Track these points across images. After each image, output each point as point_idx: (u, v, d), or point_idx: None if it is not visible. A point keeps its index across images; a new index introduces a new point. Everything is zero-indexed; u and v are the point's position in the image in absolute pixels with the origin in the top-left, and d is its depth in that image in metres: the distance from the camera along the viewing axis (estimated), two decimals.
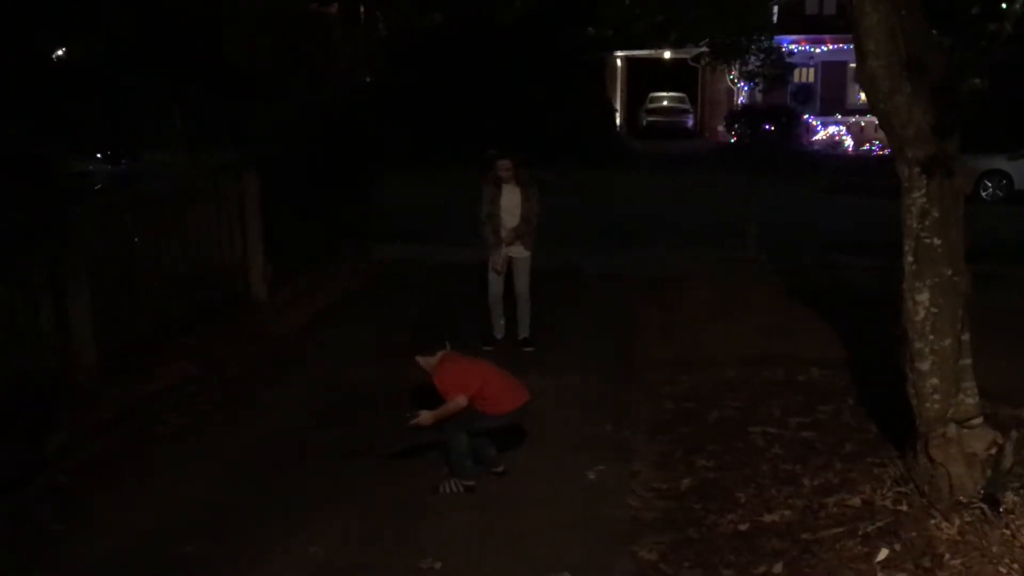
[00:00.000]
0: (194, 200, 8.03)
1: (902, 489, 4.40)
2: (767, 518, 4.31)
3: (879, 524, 4.13)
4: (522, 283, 7.38)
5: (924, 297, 4.26)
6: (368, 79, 14.02)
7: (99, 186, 15.64)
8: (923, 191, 4.20)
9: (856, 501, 4.37)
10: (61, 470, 5.19)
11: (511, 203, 7.14)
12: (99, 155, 16.62)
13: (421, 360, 5.15)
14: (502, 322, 7.50)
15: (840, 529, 4.13)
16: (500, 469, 5.12)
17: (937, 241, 4.21)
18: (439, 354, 5.12)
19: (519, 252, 7.30)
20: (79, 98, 16.74)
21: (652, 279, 10.21)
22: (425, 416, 4.96)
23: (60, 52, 18.92)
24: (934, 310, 4.25)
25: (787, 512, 4.36)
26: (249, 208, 8.83)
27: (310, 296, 9.37)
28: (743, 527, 4.27)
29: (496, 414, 5.01)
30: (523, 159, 7.19)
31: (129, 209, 7.07)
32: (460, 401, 4.92)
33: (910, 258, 4.29)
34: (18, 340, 5.77)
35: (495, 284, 7.35)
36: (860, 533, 4.08)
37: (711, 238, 12.35)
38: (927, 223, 4.20)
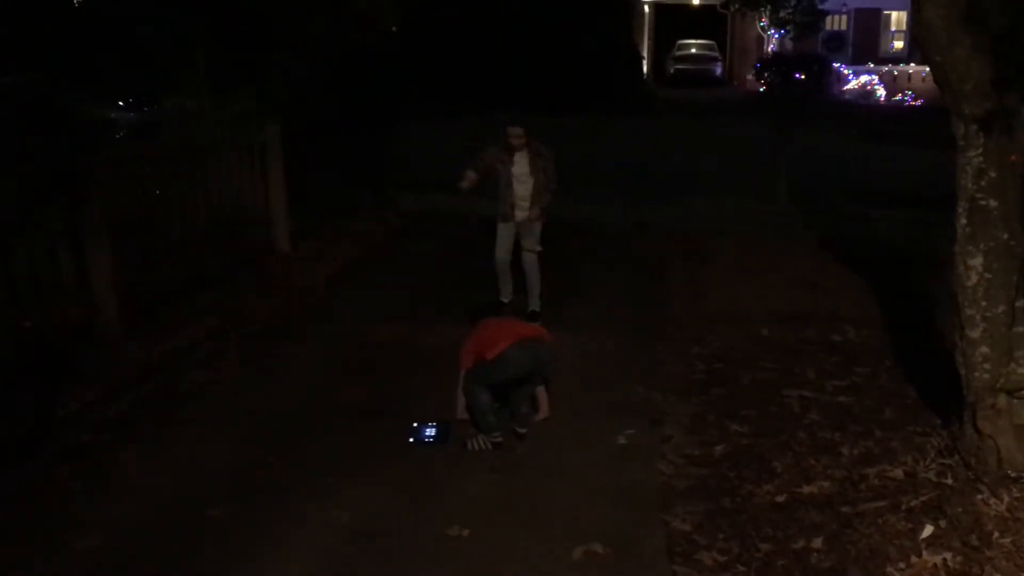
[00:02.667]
0: (216, 151, 7.87)
1: (946, 461, 4.23)
2: (805, 489, 4.17)
3: (923, 498, 3.97)
4: (529, 254, 6.98)
5: (977, 262, 4.04)
6: (394, 28, 13.70)
7: (121, 134, 15.53)
8: (980, 150, 3.97)
9: (898, 473, 4.21)
10: (83, 428, 5.12)
11: (522, 171, 6.78)
12: (121, 103, 16.45)
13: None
14: (509, 287, 7.17)
15: (882, 503, 3.98)
16: (523, 431, 5.00)
17: (993, 203, 3.98)
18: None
19: (528, 216, 6.89)
20: (101, 45, 16.55)
21: (680, 232, 10.00)
22: (460, 405, 5.06)
23: None
24: (987, 275, 4.04)
25: (826, 483, 4.22)
26: (271, 158, 8.67)
27: (334, 248, 9.23)
28: (780, 498, 4.13)
29: (496, 356, 4.83)
30: (532, 128, 6.79)
31: (150, 160, 6.93)
32: (462, 373, 5.01)
33: (963, 220, 4.07)
34: (38, 294, 5.68)
35: (502, 251, 7.00)
36: (903, 507, 3.93)
37: (740, 189, 12.09)
38: (983, 184, 3.97)
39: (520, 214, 6.85)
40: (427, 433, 4.95)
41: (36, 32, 16.90)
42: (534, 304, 7.05)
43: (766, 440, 4.75)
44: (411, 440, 4.93)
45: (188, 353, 6.31)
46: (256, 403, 5.59)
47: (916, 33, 4.01)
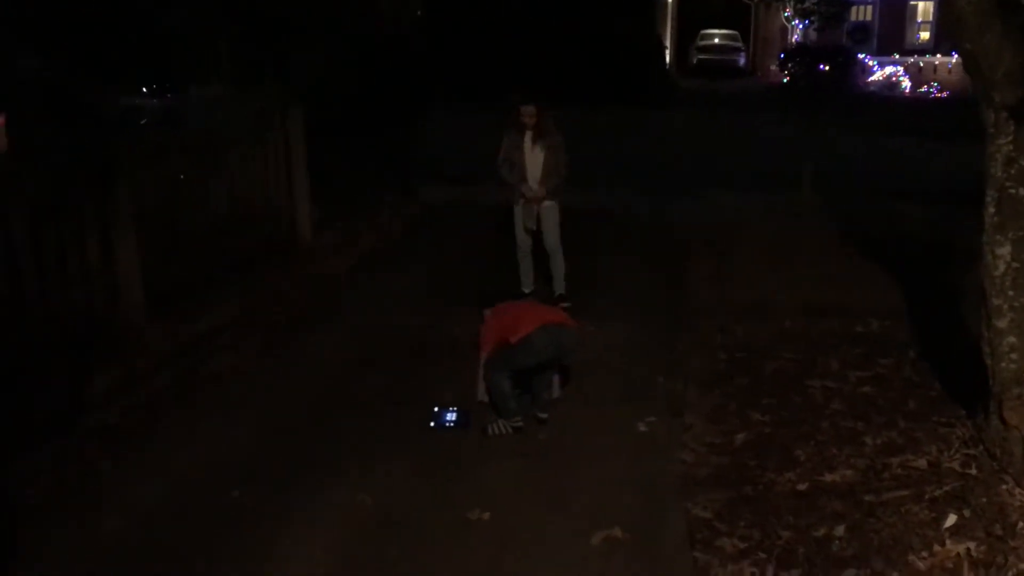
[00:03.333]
0: (239, 140, 7.89)
1: (971, 451, 4.21)
2: (827, 478, 4.15)
3: (946, 488, 3.95)
4: (551, 235, 6.91)
5: (1006, 251, 4.01)
6: (419, 12, 13.69)
7: (145, 121, 15.64)
8: (1010, 138, 3.93)
9: (922, 463, 4.19)
10: (109, 410, 5.18)
11: (534, 152, 6.70)
12: (145, 89, 16.56)
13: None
14: (530, 276, 7.15)
15: (905, 492, 3.96)
16: (544, 416, 5.01)
17: (1023, 192, 3.94)
18: (487, 312, 5.17)
19: (546, 202, 6.84)
20: (126, 32, 16.65)
21: (703, 223, 9.96)
22: (480, 389, 5.08)
23: None
24: (1016, 265, 4.00)
25: (848, 472, 4.20)
26: (294, 148, 8.69)
27: (356, 239, 9.26)
28: (802, 487, 4.12)
29: (520, 340, 4.82)
30: (548, 106, 6.71)
31: (175, 147, 6.97)
32: (483, 358, 5.01)
33: (992, 209, 4.03)
34: (66, 279, 5.73)
35: (523, 239, 6.96)
36: (927, 497, 3.91)
37: (764, 182, 12.01)
38: (1013, 172, 3.93)
39: (530, 194, 6.78)
40: (448, 418, 4.97)
41: (59, 17, 17.01)
42: (559, 288, 7.02)
43: (788, 429, 4.74)
44: (432, 425, 4.95)
45: (211, 339, 6.35)
46: (279, 388, 5.64)
47: (946, 20, 3.97)
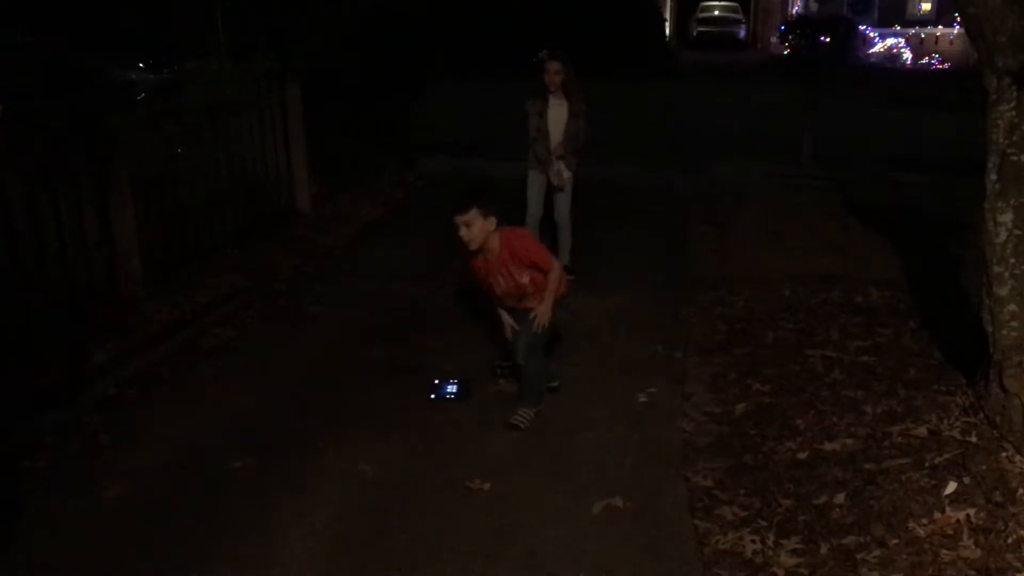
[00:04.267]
0: (236, 110, 7.86)
1: (971, 419, 4.21)
2: (827, 446, 4.16)
3: (947, 455, 3.95)
4: (562, 207, 6.83)
5: (1007, 218, 3.99)
6: None
7: (143, 95, 15.53)
8: (1012, 103, 3.89)
9: (922, 431, 4.19)
10: (110, 381, 5.18)
11: (558, 117, 6.53)
12: (141, 64, 16.44)
13: (474, 222, 4.41)
14: None
15: (905, 460, 3.96)
16: (556, 384, 4.98)
17: None
18: (492, 219, 4.47)
19: (560, 170, 6.71)
20: (122, 6, 16.51)
21: (703, 194, 9.94)
22: (543, 310, 4.54)
23: None
24: (1017, 232, 3.98)
25: (849, 441, 4.20)
26: (292, 119, 8.66)
27: (355, 210, 9.24)
28: (802, 455, 4.13)
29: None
30: (574, 67, 6.52)
31: (171, 119, 6.92)
32: (560, 272, 4.64)
33: (993, 176, 4.00)
34: (64, 251, 5.72)
35: (534, 205, 6.83)
36: (927, 464, 3.91)
37: (764, 152, 11.95)
38: (1015, 138, 3.90)
39: (548, 159, 6.62)
40: (448, 390, 4.97)
41: None
42: (565, 258, 6.95)
43: (788, 398, 4.74)
44: (432, 396, 4.95)
45: (211, 309, 6.35)
46: (279, 359, 5.63)
47: None
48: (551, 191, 6.84)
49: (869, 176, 10.77)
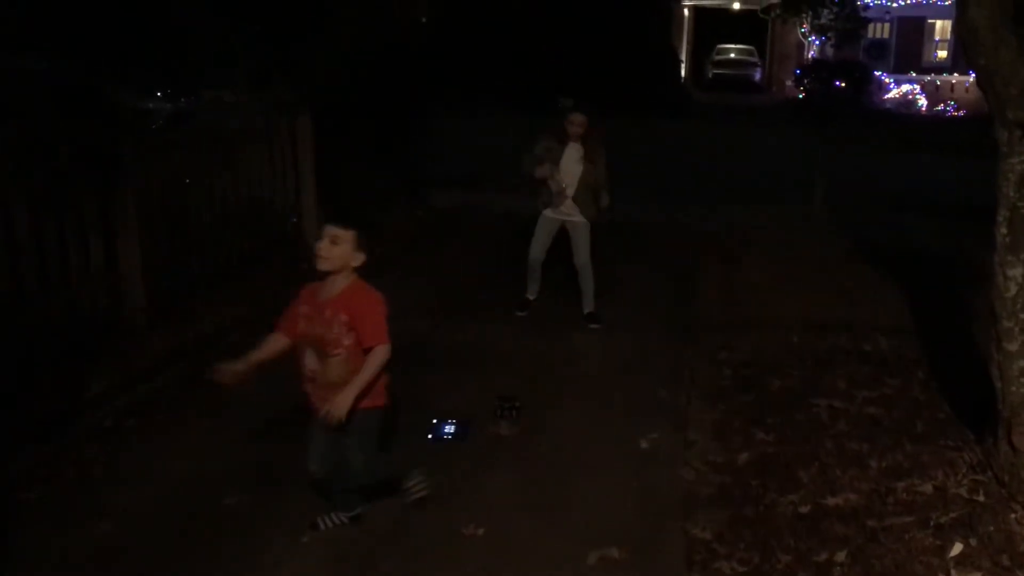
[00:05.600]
0: (247, 140, 7.89)
1: (979, 477, 4.11)
2: (831, 501, 4.06)
3: (953, 515, 3.85)
4: (582, 252, 6.70)
5: (1017, 272, 3.92)
6: (424, 19, 13.69)
7: (159, 124, 15.66)
8: (1023, 156, 3.84)
9: (928, 487, 4.09)
10: (106, 412, 5.14)
11: (572, 162, 6.48)
12: (159, 93, 16.60)
13: (343, 242, 3.76)
14: (537, 286, 7.00)
15: (910, 518, 3.86)
16: (422, 488, 4.11)
17: None
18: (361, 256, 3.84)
19: (576, 216, 6.64)
20: (142, 35, 16.73)
21: (714, 234, 9.91)
22: (342, 399, 3.62)
23: None
24: None
25: (852, 496, 4.10)
26: (302, 149, 8.68)
27: (365, 242, 9.21)
28: (804, 509, 4.03)
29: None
30: (598, 119, 6.51)
31: (181, 147, 6.94)
32: (383, 359, 3.75)
33: (1003, 230, 3.94)
34: (68, 278, 5.70)
35: (538, 246, 6.77)
36: (932, 523, 3.81)
37: (776, 195, 11.92)
38: None
39: (564, 207, 6.60)
40: (445, 430, 4.90)
41: (76, 19, 17.09)
42: (588, 306, 6.86)
43: (792, 449, 4.65)
44: (429, 437, 4.88)
45: (213, 341, 6.30)
46: (279, 394, 5.53)
47: (961, 35, 3.89)
48: (566, 237, 6.76)
49: (881, 221, 10.70)
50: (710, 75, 32.98)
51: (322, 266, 3.75)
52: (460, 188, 11.33)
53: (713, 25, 34.34)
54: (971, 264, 8.59)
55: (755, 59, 33.50)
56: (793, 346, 6.46)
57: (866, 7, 27.47)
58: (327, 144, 9.18)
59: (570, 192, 6.58)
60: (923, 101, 27.85)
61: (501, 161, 6.86)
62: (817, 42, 30.32)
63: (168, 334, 6.24)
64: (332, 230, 3.74)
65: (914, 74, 28.82)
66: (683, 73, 30.91)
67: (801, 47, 31.33)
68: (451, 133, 12.43)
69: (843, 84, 26.91)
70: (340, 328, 3.72)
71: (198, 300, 6.83)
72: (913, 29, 30.39)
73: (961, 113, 26.71)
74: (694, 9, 34.05)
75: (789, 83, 29.84)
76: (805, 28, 30.31)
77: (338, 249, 3.75)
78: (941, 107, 27.48)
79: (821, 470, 4.38)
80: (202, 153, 7.19)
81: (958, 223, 10.19)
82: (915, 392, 5.47)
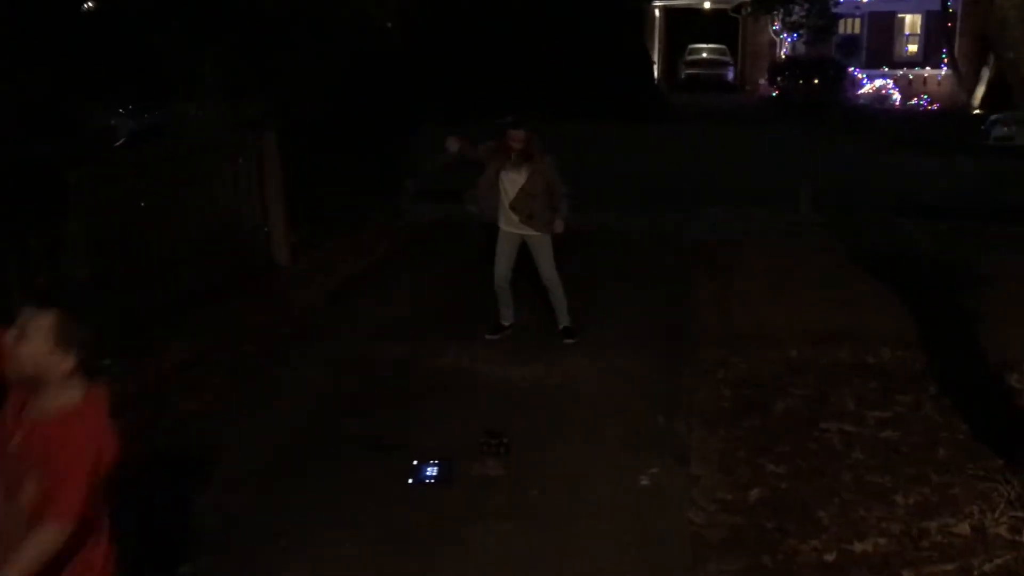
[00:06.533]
0: (208, 159, 7.45)
1: (1018, 514, 3.75)
2: (857, 547, 3.68)
3: (996, 561, 3.49)
4: (546, 267, 6.38)
5: None
6: (390, 24, 13.33)
7: (121, 141, 15.15)
8: None
9: (964, 528, 3.73)
10: None
11: (516, 176, 6.19)
12: (122, 109, 16.09)
13: (33, 338, 2.31)
14: (511, 309, 6.61)
15: (949, 566, 3.49)
16: None
17: None
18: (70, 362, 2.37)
19: (531, 232, 6.30)
20: (108, 50, 16.23)
21: (701, 242, 9.55)
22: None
23: (90, 4, 18.36)
24: None
25: (881, 540, 3.72)
26: (269, 166, 8.24)
27: (337, 262, 8.79)
28: (829, 557, 3.65)
29: None
30: (535, 130, 6.18)
31: (134, 170, 6.49)
32: (56, 538, 2.29)
33: None
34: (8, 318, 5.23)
35: (501, 264, 6.42)
36: (975, 572, 3.44)
37: (761, 198, 11.52)
38: None
39: (517, 223, 6.30)
40: (428, 473, 4.49)
41: (40, 36, 16.57)
42: (564, 320, 6.52)
43: (807, 483, 4.27)
44: (410, 481, 4.46)
45: (174, 378, 5.86)
46: (245, 436, 5.13)
47: (988, 29, 3.54)
48: (527, 253, 6.42)
49: (870, 222, 10.40)
50: (683, 75, 32.69)
51: (8, 373, 2.37)
52: (439, 201, 10.86)
53: (684, 25, 34.10)
54: (969, 267, 8.33)
55: (727, 58, 33.25)
56: (793, 361, 6.12)
57: (836, 3, 27.33)
58: (299, 159, 8.77)
59: (521, 208, 6.24)
60: (897, 96, 27.71)
61: (477, 171, 6.45)
62: (789, 39, 30.16)
63: (124, 374, 5.75)
64: (23, 316, 2.35)
65: (886, 69, 28.70)
66: (656, 74, 30.63)
67: (773, 45, 31.16)
68: (431, 144, 11.97)
69: (817, 81, 26.73)
70: (27, 468, 2.34)
71: (158, 333, 6.36)
72: (883, 24, 30.33)
73: (935, 107, 26.61)
74: (665, 10, 33.81)
75: (762, 81, 29.63)
76: (777, 26, 30.15)
77: (29, 348, 2.31)
78: (915, 101, 27.36)
79: (842, 508, 4.00)
80: (158, 174, 6.73)
81: (951, 224, 9.93)
82: (929, 410, 5.13)
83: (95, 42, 16.35)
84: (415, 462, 4.55)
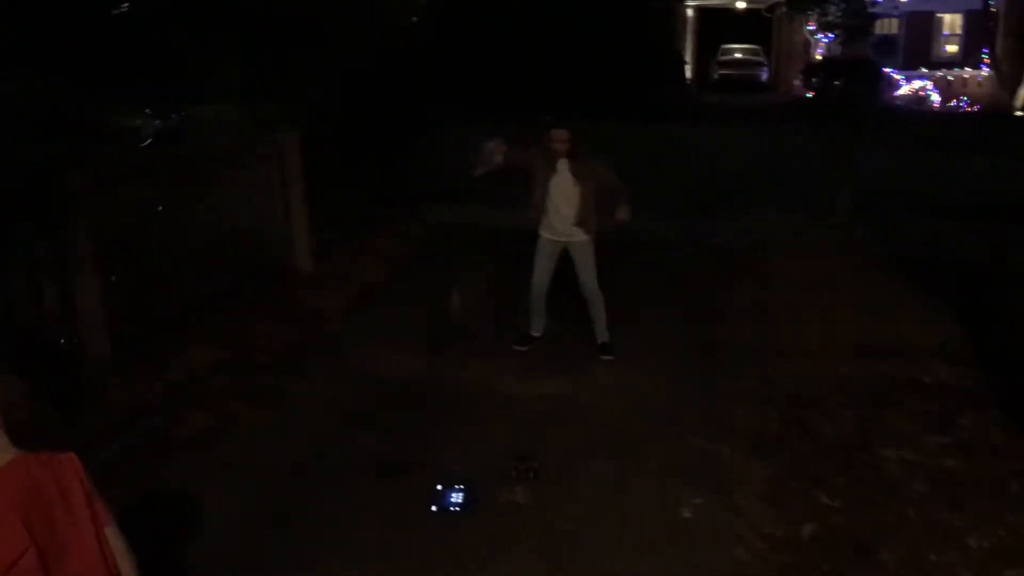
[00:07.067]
0: (227, 161, 7.17)
1: None
2: None
3: None
4: (587, 276, 6.00)
5: None
6: (415, 19, 13.04)
7: (147, 142, 15.01)
8: None
9: None
10: None
11: (566, 182, 5.78)
12: (148, 110, 15.97)
13: None
14: (543, 321, 6.24)
15: None
16: None
17: None
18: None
19: (577, 236, 5.92)
20: (134, 51, 16.14)
21: (736, 248, 9.15)
22: None
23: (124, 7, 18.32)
24: None
25: None
26: (291, 169, 7.94)
27: (356, 267, 8.48)
28: None
29: None
30: (582, 129, 5.81)
31: (147, 174, 6.21)
32: None
33: None
34: (15, 329, 4.98)
35: (540, 275, 6.04)
36: None
37: (796, 202, 11.08)
38: None
39: (563, 229, 5.93)
40: (451, 499, 4.16)
41: (69, 38, 16.51)
42: (602, 336, 6.13)
43: (865, 518, 3.90)
44: (433, 508, 4.14)
45: (186, 390, 5.57)
46: (258, 455, 4.83)
47: None
48: (569, 259, 6.04)
49: (911, 226, 9.95)
50: (715, 76, 32.20)
51: None
52: (461, 204, 10.53)
53: (718, 25, 33.61)
54: (1014, 269, 7.90)
55: (761, 58, 32.72)
56: (841, 377, 5.73)
57: (873, 3, 26.75)
58: (320, 161, 8.49)
59: (569, 215, 5.86)
60: (935, 97, 27.06)
61: (507, 173, 6.11)
62: (824, 40, 29.60)
63: (136, 386, 5.49)
64: None
65: (924, 70, 28.05)
66: (688, 75, 30.16)
67: (808, 45, 30.58)
68: (449, 143, 11.62)
69: (852, 82, 26.16)
70: None
71: (172, 344, 6.07)
72: (921, 24, 29.70)
73: (975, 108, 25.94)
74: (697, 9, 33.34)
75: (796, 82, 29.08)
76: (812, 26, 29.59)
77: None
78: (954, 103, 26.69)
79: (908, 550, 3.62)
80: (173, 180, 6.45)
81: (995, 228, 9.48)
82: (994, 436, 4.73)
83: (120, 42, 16.27)
84: (438, 486, 4.23)
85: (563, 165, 5.79)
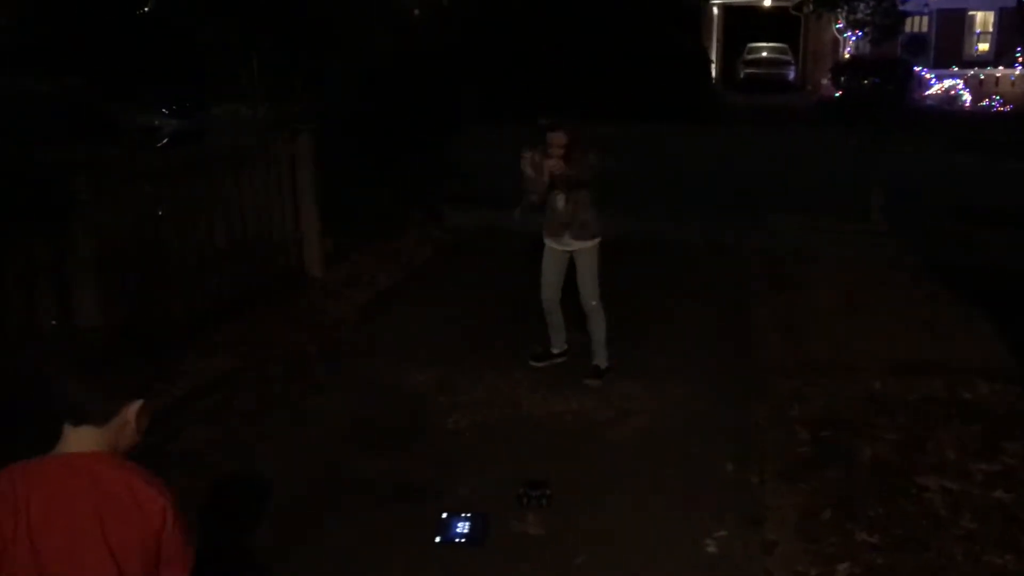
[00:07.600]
0: (237, 164, 6.94)
1: None
2: None
3: None
4: (588, 288, 5.57)
5: None
6: (416, 11, 12.82)
7: (165, 141, 14.88)
8: None
9: None
10: None
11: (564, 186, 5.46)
12: (166, 110, 15.86)
13: None
14: (563, 335, 5.86)
15: None
16: None
17: None
18: None
19: (578, 243, 5.56)
20: (157, 51, 16.02)
21: (764, 253, 8.84)
22: None
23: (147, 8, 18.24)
24: None
25: None
26: (303, 171, 7.73)
27: (373, 273, 8.25)
28: None
29: None
30: (577, 129, 5.38)
31: (153, 178, 5.99)
32: None
33: None
34: (11, 343, 4.78)
35: (549, 286, 5.68)
36: None
37: (826, 206, 10.71)
38: None
39: (565, 235, 5.58)
40: (458, 529, 3.90)
41: (89, 37, 16.44)
42: (598, 358, 5.69)
43: (908, 559, 3.59)
44: (437, 540, 3.87)
45: (190, 404, 5.35)
46: (261, 474, 4.59)
47: None
48: (571, 267, 5.69)
49: (946, 231, 9.58)
50: (742, 75, 31.75)
51: None
52: (483, 206, 10.24)
53: (744, 23, 33.18)
54: None
55: (788, 57, 32.24)
56: (877, 396, 5.41)
57: (903, 0, 26.23)
58: (336, 162, 8.27)
59: (569, 220, 5.53)
60: (967, 96, 26.49)
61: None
62: (853, 38, 29.09)
63: None
64: None
65: (956, 68, 27.47)
66: (714, 74, 29.74)
67: (836, 44, 30.10)
68: (478, 145, 11.33)
69: (882, 81, 25.66)
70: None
71: (179, 351, 5.87)
72: (953, 22, 29.18)
73: (1008, 108, 25.35)
74: (723, 7, 32.92)
75: (825, 81, 28.59)
76: (840, 24, 29.09)
77: None
78: (986, 102, 26.10)
79: None
80: (180, 183, 6.23)
81: None
82: None
83: (143, 41, 16.16)
84: (443, 515, 3.96)
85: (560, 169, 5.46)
